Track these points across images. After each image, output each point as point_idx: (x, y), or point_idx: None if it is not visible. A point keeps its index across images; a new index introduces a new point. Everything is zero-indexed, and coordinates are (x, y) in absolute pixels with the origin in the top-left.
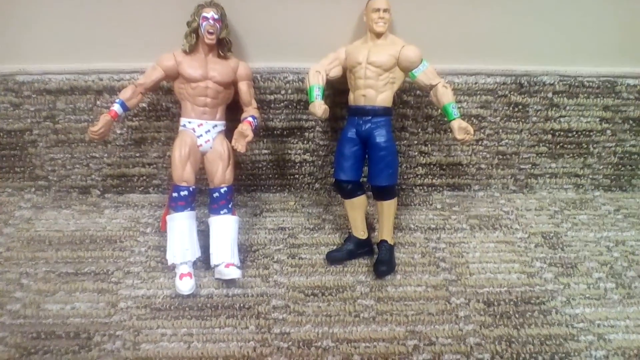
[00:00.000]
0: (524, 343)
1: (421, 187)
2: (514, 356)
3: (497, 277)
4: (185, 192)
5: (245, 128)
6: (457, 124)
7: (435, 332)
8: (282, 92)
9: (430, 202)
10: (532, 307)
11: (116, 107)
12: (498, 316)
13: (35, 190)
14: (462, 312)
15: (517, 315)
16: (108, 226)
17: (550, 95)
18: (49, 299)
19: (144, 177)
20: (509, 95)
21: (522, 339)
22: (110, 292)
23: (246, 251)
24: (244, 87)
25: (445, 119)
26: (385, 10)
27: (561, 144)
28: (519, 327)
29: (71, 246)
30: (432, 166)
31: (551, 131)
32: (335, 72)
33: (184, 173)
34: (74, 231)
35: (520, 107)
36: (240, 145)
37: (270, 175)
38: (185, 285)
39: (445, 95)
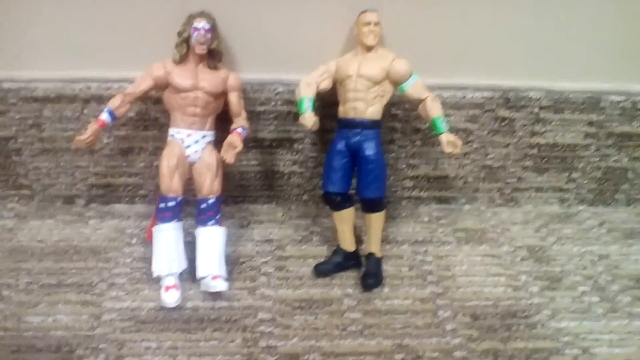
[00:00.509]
0: (510, 357)
1: (409, 200)
2: None
3: (484, 290)
4: (173, 203)
5: (235, 139)
6: (446, 137)
7: (423, 345)
8: (272, 103)
9: (418, 215)
10: (518, 321)
11: (104, 116)
12: (484, 330)
13: (18, 199)
14: (449, 326)
15: (503, 329)
16: (92, 237)
17: (536, 110)
18: (30, 310)
19: (130, 187)
20: (496, 109)
21: (508, 352)
22: (94, 304)
23: (233, 263)
24: (234, 98)
25: (434, 132)
26: (375, 24)
27: (546, 159)
28: (505, 340)
29: (54, 257)
30: (419, 179)
31: (537, 146)
32: (326, 84)
33: (171, 184)
34: (58, 241)
35: (506, 121)
36: (229, 156)
37: (259, 187)
38: (171, 298)
39: (433, 109)
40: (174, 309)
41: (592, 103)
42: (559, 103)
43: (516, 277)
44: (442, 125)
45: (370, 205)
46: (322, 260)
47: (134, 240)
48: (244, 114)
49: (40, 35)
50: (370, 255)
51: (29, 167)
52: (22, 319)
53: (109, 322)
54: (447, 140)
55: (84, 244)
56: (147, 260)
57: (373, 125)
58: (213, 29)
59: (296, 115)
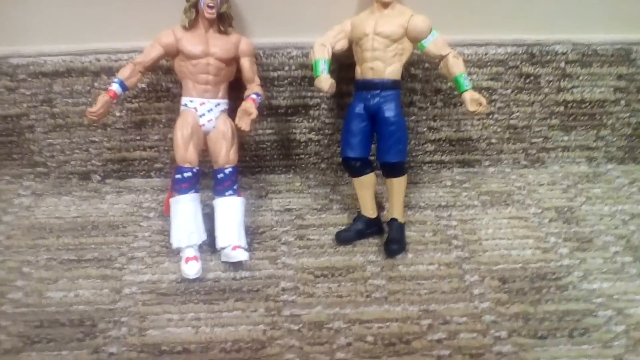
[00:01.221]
0: (541, 320)
1: (430, 164)
2: (532, 333)
3: (511, 253)
4: (189, 174)
5: (249, 106)
6: (470, 95)
7: (450, 310)
8: (286, 68)
9: (440, 179)
10: (548, 283)
11: (115, 87)
12: (513, 293)
13: (34, 177)
14: (477, 290)
15: (533, 292)
16: (110, 212)
17: (562, 65)
18: (51, 286)
19: (146, 161)
20: (520, 66)
21: (539, 315)
22: (114, 278)
23: (253, 233)
24: (246, 64)
25: (456, 92)
26: None
27: (574, 116)
28: (535, 303)
29: (73, 233)
30: (441, 142)
31: (564, 103)
32: (341, 44)
33: (186, 154)
34: (75, 217)
35: (531, 78)
36: (245, 124)
37: (275, 156)
38: (192, 269)
39: (456, 66)
40: (194, 280)
41: (622, 55)
42: (587, 56)
43: (545, 239)
44: (465, 82)
45: (392, 170)
46: (343, 227)
47: (151, 214)
48: (257, 80)
49: (46, 8)
50: (392, 221)
51: (42, 144)
52: (43, 295)
53: (130, 295)
54: (471, 98)
55: (102, 219)
56: (166, 233)
57: (393, 85)
58: None
59: (311, 80)
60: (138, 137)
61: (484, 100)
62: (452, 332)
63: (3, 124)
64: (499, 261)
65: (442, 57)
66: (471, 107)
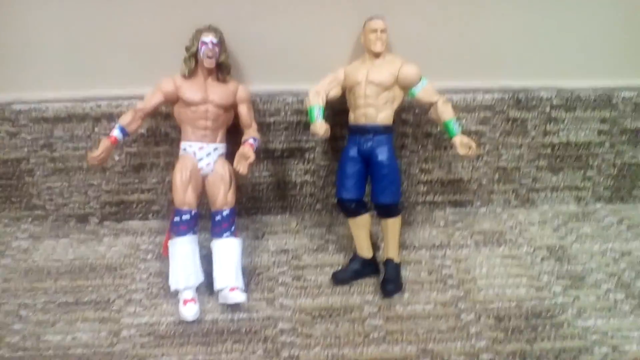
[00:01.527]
0: (537, 357)
1: (423, 205)
2: None
3: (506, 292)
4: (187, 216)
5: (247, 150)
6: (459, 139)
7: (448, 349)
8: (282, 114)
9: (433, 219)
10: (543, 321)
11: (116, 133)
12: (510, 331)
13: (32, 220)
14: (473, 329)
15: (529, 330)
16: (107, 254)
17: (547, 109)
18: (49, 329)
19: (143, 203)
20: (507, 110)
21: (536, 353)
22: (112, 320)
23: (250, 274)
24: (243, 110)
25: (446, 137)
26: (382, 31)
27: (561, 158)
28: (531, 341)
29: (70, 275)
30: (433, 183)
31: (550, 145)
32: (335, 92)
33: (185, 197)
34: (73, 260)
35: (518, 122)
36: (242, 167)
37: (272, 197)
38: (190, 311)
39: (445, 112)
40: (193, 322)
41: (604, 100)
42: (570, 101)
43: (538, 277)
44: (455, 127)
45: (386, 211)
46: (340, 268)
47: (149, 256)
48: (254, 125)
49: (49, 56)
50: (388, 261)
51: (41, 187)
52: (41, 338)
53: (128, 338)
54: (461, 142)
55: (99, 261)
56: (164, 275)
57: (385, 130)
58: (220, 43)
59: (306, 125)
60: (136, 180)
61: (473, 144)
62: None
63: (3, 167)
64: (494, 299)
65: (432, 104)
66: (461, 151)
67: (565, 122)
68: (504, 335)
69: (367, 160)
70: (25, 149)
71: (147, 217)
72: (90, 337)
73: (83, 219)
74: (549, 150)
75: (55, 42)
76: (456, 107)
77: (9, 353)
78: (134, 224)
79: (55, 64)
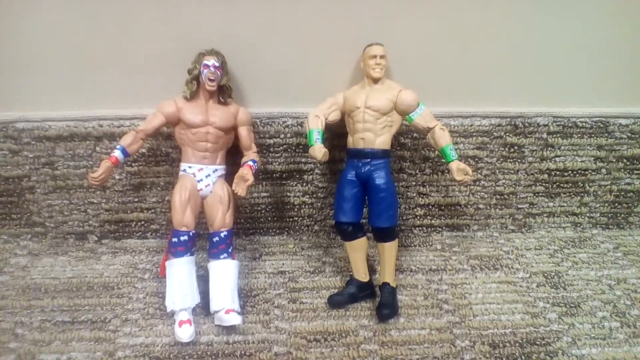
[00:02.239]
0: None
1: (420, 228)
2: None
3: (501, 318)
4: (185, 237)
5: (246, 172)
6: (456, 165)
7: None
8: (282, 136)
9: (430, 243)
10: (538, 349)
11: (117, 153)
12: (504, 358)
13: (31, 237)
14: (468, 356)
15: (523, 357)
16: (105, 272)
17: (544, 135)
18: (44, 349)
19: (142, 223)
20: (504, 136)
21: None
22: (108, 340)
23: (246, 296)
24: (244, 132)
25: (443, 161)
26: (381, 57)
27: (557, 183)
28: None
29: (67, 294)
30: (430, 207)
31: (547, 171)
32: (334, 116)
33: (184, 218)
34: (71, 278)
35: (515, 147)
36: (241, 189)
37: (270, 218)
38: (185, 333)
39: (442, 138)
40: (188, 344)
41: (600, 127)
42: (567, 128)
43: (533, 303)
44: (452, 153)
45: (383, 235)
46: (336, 291)
47: (146, 276)
48: (254, 148)
49: (52, 76)
50: (384, 285)
51: (42, 204)
52: (36, 358)
53: (123, 359)
54: (457, 168)
55: (97, 279)
56: (160, 295)
57: (382, 154)
58: (222, 66)
59: (305, 147)
60: (136, 200)
61: (469, 170)
62: None
63: (5, 184)
64: (489, 326)
65: (429, 129)
66: (458, 177)
67: (562, 148)
68: None
69: (365, 183)
70: (27, 167)
71: (146, 236)
72: (85, 357)
73: (82, 236)
74: (545, 176)
75: (59, 62)
76: (453, 132)
77: None
78: (133, 242)
79: (58, 83)
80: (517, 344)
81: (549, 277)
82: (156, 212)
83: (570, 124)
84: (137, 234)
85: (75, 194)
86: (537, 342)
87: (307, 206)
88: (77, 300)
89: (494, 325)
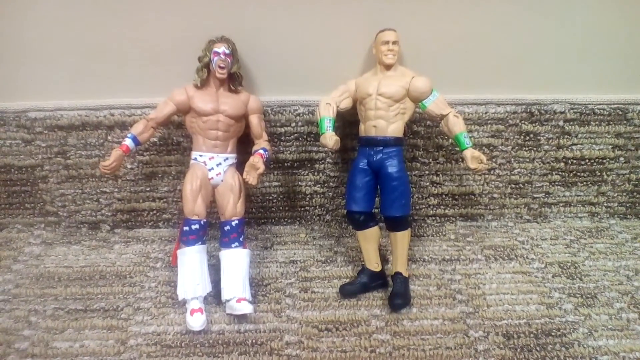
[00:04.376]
0: None
1: (434, 218)
2: None
3: (516, 308)
4: (197, 226)
5: (257, 161)
6: (470, 153)
7: None
8: (293, 124)
9: (444, 233)
10: (553, 340)
11: (128, 142)
12: (519, 349)
13: (45, 226)
14: (481, 346)
15: (538, 349)
16: (118, 261)
17: (561, 123)
18: (57, 336)
19: (154, 212)
20: (520, 124)
21: None
22: (120, 329)
23: (257, 285)
24: (254, 120)
25: (457, 149)
26: (394, 43)
27: (574, 172)
28: None
29: (80, 282)
30: (444, 196)
31: (564, 159)
32: (346, 103)
33: (195, 206)
34: (84, 267)
35: (531, 135)
36: (252, 178)
37: (281, 208)
38: (197, 322)
39: (456, 125)
40: (199, 332)
41: (619, 114)
42: (585, 115)
43: (549, 294)
44: (466, 141)
45: (395, 224)
46: (348, 280)
47: (158, 264)
48: (265, 136)
49: (64, 65)
50: (397, 274)
51: (54, 194)
52: (49, 345)
53: (135, 347)
54: (472, 156)
55: (110, 268)
56: (172, 284)
57: (395, 142)
58: (232, 54)
59: (317, 136)
60: (148, 189)
61: (484, 158)
62: None
63: (18, 174)
64: (503, 316)
65: (443, 116)
66: (472, 165)
67: (579, 136)
68: (512, 354)
69: (377, 172)
70: (40, 156)
71: (158, 225)
72: (97, 345)
73: (95, 226)
74: (562, 165)
75: (70, 52)
76: (468, 120)
77: (18, 359)
78: (145, 231)
79: (70, 73)
80: (531, 335)
81: (565, 267)
82: (168, 202)
83: (587, 111)
84: (149, 223)
85: (87, 184)
86: (553, 333)
87: (318, 195)
88: (90, 289)
89: (508, 315)
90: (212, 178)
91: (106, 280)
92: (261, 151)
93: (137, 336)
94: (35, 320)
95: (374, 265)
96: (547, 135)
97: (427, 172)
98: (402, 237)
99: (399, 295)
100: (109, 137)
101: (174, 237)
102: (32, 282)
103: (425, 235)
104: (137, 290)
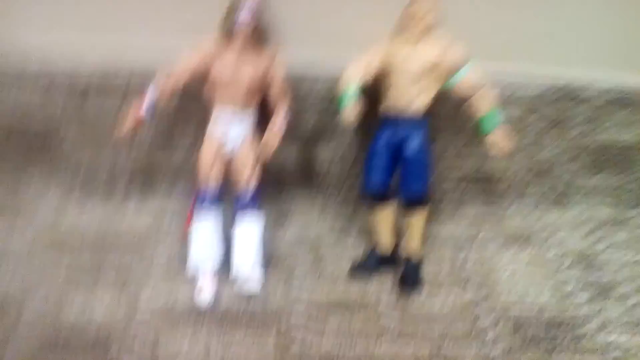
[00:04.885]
0: None
1: (451, 199)
2: None
3: (528, 297)
4: (211, 194)
5: (271, 139)
6: (494, 136)
7: (462, 354)
8: (312, 97)
9: (461, 215)
10: (563, 332)
11: (145, 107)
12: (528, 340)
13: (60, 189)
14: (490, 334)
15: (547, 340)
16: (131, 228)
17: (592, 107)
18: (68, 304)
19: (171, 173)
20: (549, 106)
21: None
22: (130, 297)
23: (269, 261)
24: (277, 83)
25: (480, 130)
26: (428, 10)
27: (601, 159)
28: (549, 352)
29: (93, 248)
30: (463, 178)
31: (591, 145)
32: (370, 74)
33: (210, 174)
34: (97, 232)
35: (560, 118)
36: (266, 154)
37: (296, 182)
38: (206, 295)
39: (485, 103)
40: (209, 305)
41: None
42: (618, 100)
43: (563, 284)
44: (492, 122)
45: (412, 204)
46: (359, 259)
47: (172, 229)
48: (286, 99)
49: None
50: (409, 256)
51: (71, 158)
52: (61, 310)
53: (145, 316)
54: (495, 139)
55: (123, 236)
56: (184, 254)
57: (419, 118)
58: (258, 8)
59: (337, 110)
60: (164, 155)
61: (509, 141)
62: None
63: (35, 138)
64: (514, 305)
65: (473, 93)
66: (497, 145)
67: (611, 121)
68: (521, 344)
69: (398, 149)
70: (57, 118)
71: (173, 192)
72: (107, 313)
73: (110, 189)
74: (588, 150)
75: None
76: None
77: (28, 329)
78: (160, 198)
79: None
80: (542, 325)
81: (582, 257)
82: (183, 170)
83: (622, 97)
84: (164, 190)
85: (104, 147)
86: (564, 325)
87: (335, 170)
88: (103, 255)
89: (520, 304)
90: (228, 147)
91: (118, 248)
92: (279, 121)
93: (147, 304)
94: (46, 288)
95: (387, 245)
96: (576, 119)
97: (447, 153)
98: (418, 218)
99: (409, 278)
100: (126, 102)
101: (188, 205)
102: (46, 247)
103: (441, 217)
104: (149, 259)
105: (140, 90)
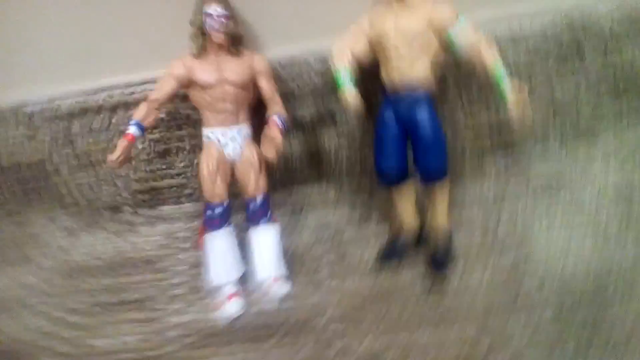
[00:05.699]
0: (611, 324)
1: (471, 153)
2: (603, 342)
3: (570, 247)
4: (220, 209)
5: (273, 132)
6: (513, 99)
7: (511, 325)
8: (305, 77)
9: (483, 169)
10: (615, 280)
11: (132, 130)
12: (578, 297)
13: (67, 217)
14: (537, 298)
15: (598, 293)
16: (145, 246)
17: (607, 27)
18: (96, 334)
19: (175, 188)
20: (559, 34)
21: (608, 319)
22: (157, 320)
23: (292, 256)
24: (263, 82)
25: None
26: None
27: (624, 79)
28: (603, 307)
29: (111, 273)
30: (480, 127)
31: (611, 67)
32: (361, 46)
33: (215, 189)
34: (112, 256)
35: (573, 46)
36: (270, 153)
37: (305, 167)
38: (234, 307)
39: (490, 56)
40: (239, 316)
41: None
42: (633, 17)
43: (605, 225)
44: (501, 71)
45: (431, 176)
46: (385, 245)
47: (187, 244)
48: (277, 99)
49: (54, 50)
50: (437, 230)
51: (70, 184)
52: (88, 343)
53: (175, 338)
54: (514, 96)
55: (138, 254)
56: (203, 266)
57: (422, 84)
58: (228, 11)
59: (333, 86)
60: (164, 166)
61: (523, 93)
62: (516, 349)
63: (29, 171)
64: (557, 261)
65: (474, 48)
66: (518, 113)
67: (630, 37)
68: (571, 303)
69: (406, 122)
70: (46, 150)
71: (181, 202)
72: (136, 339)
73: (116, 209)
74: (609, 74)
75: (58, 35)
76: (500, 39)
77: None
78: (168, 209)
79: (62, 57)
80: (590, 276)
81: (621, 190)
82: (187, 177)
83: (636, 13)
84: (171, 200)
85: (101, 169)
86: (613, 272)
87: (344, 149)
88: (122, 278)
89: (563, 257)
90: (228, 154)
91: (137, 268)
92: (276, 118)
93: (176, 327)
94: (72, 319)
95: (412, 223)
96: (591, 43)
97: (459, 104)
98: (439, 190)
99: (441, 257)
100: (113, 120)
101: (198, 212)
102: (64, 278)
103: (463, 175)
104: (169, 276)
105: (125, 105)
